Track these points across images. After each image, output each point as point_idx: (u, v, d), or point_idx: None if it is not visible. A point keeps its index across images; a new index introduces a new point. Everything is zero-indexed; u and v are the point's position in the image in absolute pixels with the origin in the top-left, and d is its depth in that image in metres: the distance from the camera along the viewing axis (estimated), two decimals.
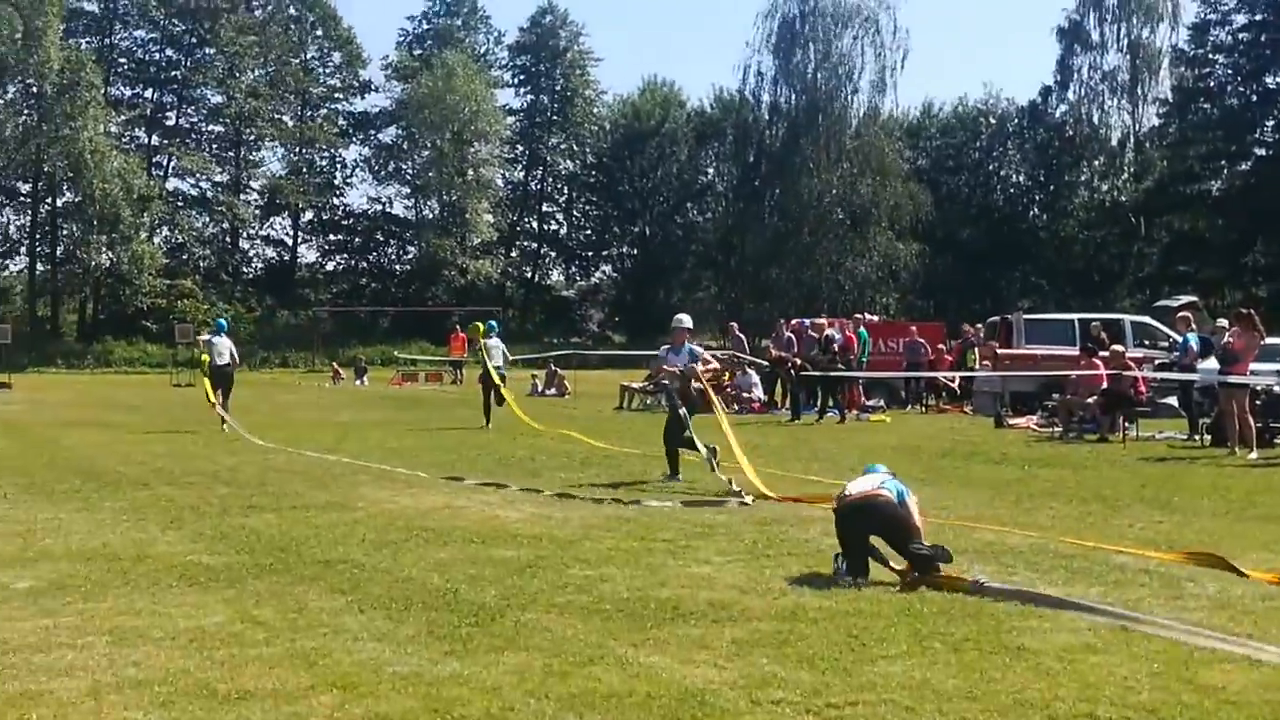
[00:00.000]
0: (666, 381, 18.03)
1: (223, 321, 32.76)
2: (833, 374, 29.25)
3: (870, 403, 32.26)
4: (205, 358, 28.61)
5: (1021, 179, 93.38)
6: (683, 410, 17.14)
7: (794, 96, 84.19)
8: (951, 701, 6.64)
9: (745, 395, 32.74)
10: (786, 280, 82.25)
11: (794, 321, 34.30)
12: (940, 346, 34.88)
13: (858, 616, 8.59)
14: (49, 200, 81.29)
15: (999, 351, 31.66)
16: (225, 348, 28.24)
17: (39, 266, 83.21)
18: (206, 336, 28.93)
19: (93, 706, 6.61)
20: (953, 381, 33.34)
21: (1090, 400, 24.10)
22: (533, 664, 7.39)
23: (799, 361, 29.99)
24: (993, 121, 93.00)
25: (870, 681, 7.00)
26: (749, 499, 14.63)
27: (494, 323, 30.15)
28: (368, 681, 7.02)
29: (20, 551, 11.31)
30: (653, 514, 13.53)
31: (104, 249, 76.03)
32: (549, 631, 8.21)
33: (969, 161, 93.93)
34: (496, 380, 27.76)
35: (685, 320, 18.34)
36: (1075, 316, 33.10)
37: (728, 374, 33.95)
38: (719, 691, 6.83)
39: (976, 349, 33.59)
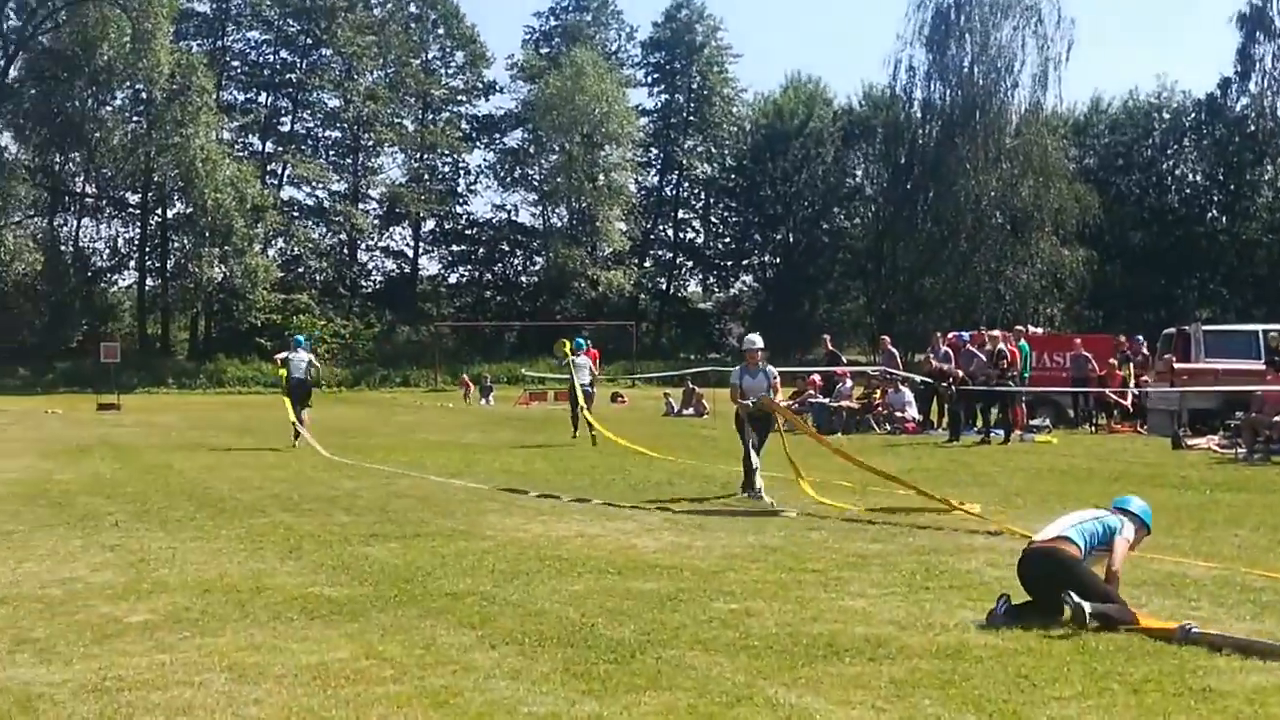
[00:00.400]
0: (748, 402, 18.41)
1: (300, 337, 35.51)
2: (999, 389, 28.91)
3: (1035, 422, 31.83)
4: (283, 372, 30.42)
5: (1198, 178, 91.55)
6: (752, 439, 17.96)
7: (949, 92, 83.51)
8: None
9: (898, 414, 32.49)
10: (941, 290, 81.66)
11: (951, 334, 33.98)
12: (1111, 361, 34.35)
13: (1027, 655, 8.49)
14: (159, 211, 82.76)
15: (1176, 366, 31.09)
16: (303, 362, 30.37)
17: (149, 281, 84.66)
18: (284, 354, 30.67)
19: None
20: (1125, 399, 32.83)
21: (1277, 419, 23.64)
22: (677, 704, 7.38)
23: (959, 376, 29.70)
24: (1166, 116, 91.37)
25: None
26: (792, 512, 16.00)
27: (580, 340, 32.57)
28: None
29: (134, 582, 11.50)
30: (801, 543, 13.48)
31: (216, 262, 76.89)
32: (693, 670, 8.20)
33: (1140, 160, 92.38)
34: (582, 400, 29.48)
35: (757, 341, 19.24)
36: (1259, 328, 32.31)
37: (878, 391, 33.76)
38: None
39: (1132, 363, 33.08)
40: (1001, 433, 28.75)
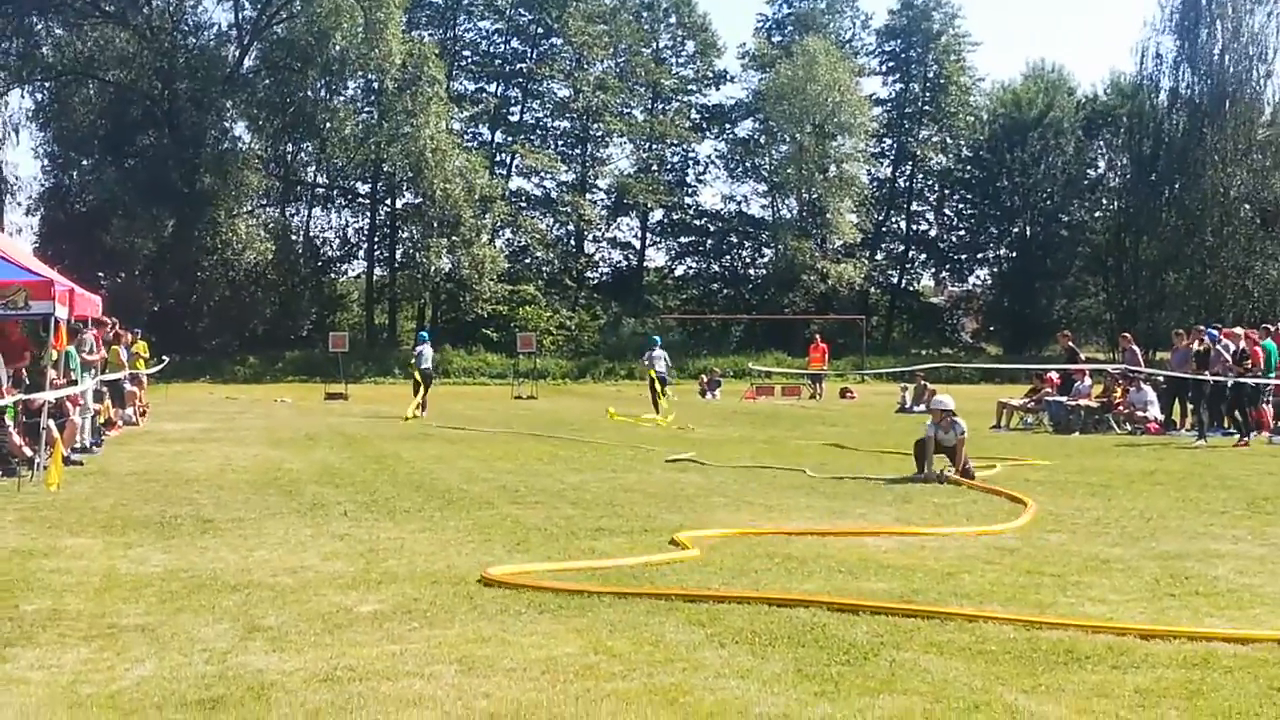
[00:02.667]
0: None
1: (424, 334, 45.05)
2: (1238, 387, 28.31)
3: None
4: (412, 362, 40.67)
5: None
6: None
7: (1198, 81, 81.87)
8: None
9: (1140, 414, 31.85)
10: (1186, 286, 80.00)
11: (1197, 330, 33.19)
12: None
13: (1279, 666, 8.28)
14: (388, 201, 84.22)
15: None
16: (428, 353, 40.29)
17: (377, 271, 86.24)
18: (419, 349, 40.47)
19: None
20: None
21: None
22: (911, 709, 7.33)
23: (1207, 376, 29.07)
24: None
25: None
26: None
27: (656, 337, 42.91)
28: None
29: (364, 573, 11.73)
30: (1039, 546, 13.28)
31: (444, 252, 77.91)
32: (928, 673, 8.13)
33: None
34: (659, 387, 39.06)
35: (948, 402, 20.72)
36: None
37: (1119, 390, 33.13)
38: None
39: None
40: (1235, 433, 28.19)
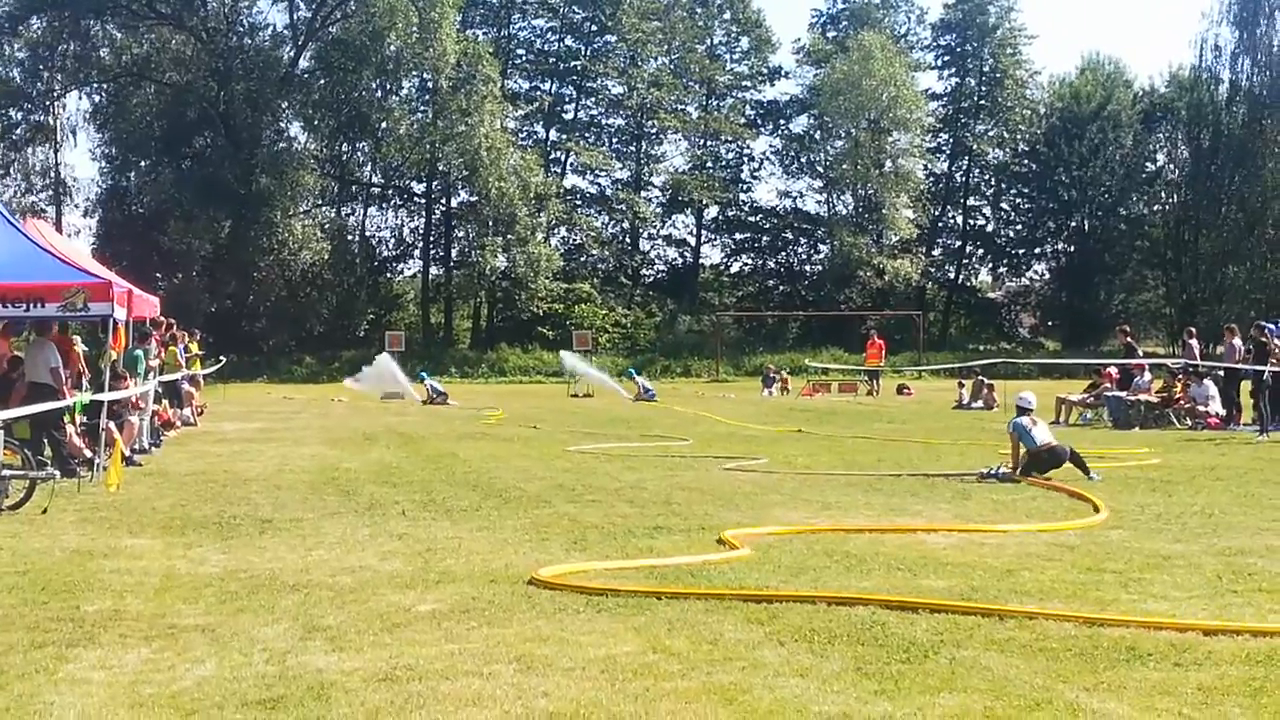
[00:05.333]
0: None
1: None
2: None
3: None
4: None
5: None
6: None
7: (1257, 73, 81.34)
8: None
9: (1200, 409, 31.66)
10: (1247, 279, 79.51)
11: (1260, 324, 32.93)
12: None
13: None
14: (443, 200, 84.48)
15: None
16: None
17: (433, 270, 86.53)
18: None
19: None
20: None
21: None
22: (972, 707, 7.32)
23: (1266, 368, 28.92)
24: None
25: None
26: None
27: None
28: None
29: (422, 572, 11.76)
30: (1100, 542, 13.22)
31: (499, 251, 78.30)
32: (988, 671, 8.12)
33: None
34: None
35: (1032, 400, 20.79)
36: None
37: (1179, 385, 32.93)
38: None
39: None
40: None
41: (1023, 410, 20.17)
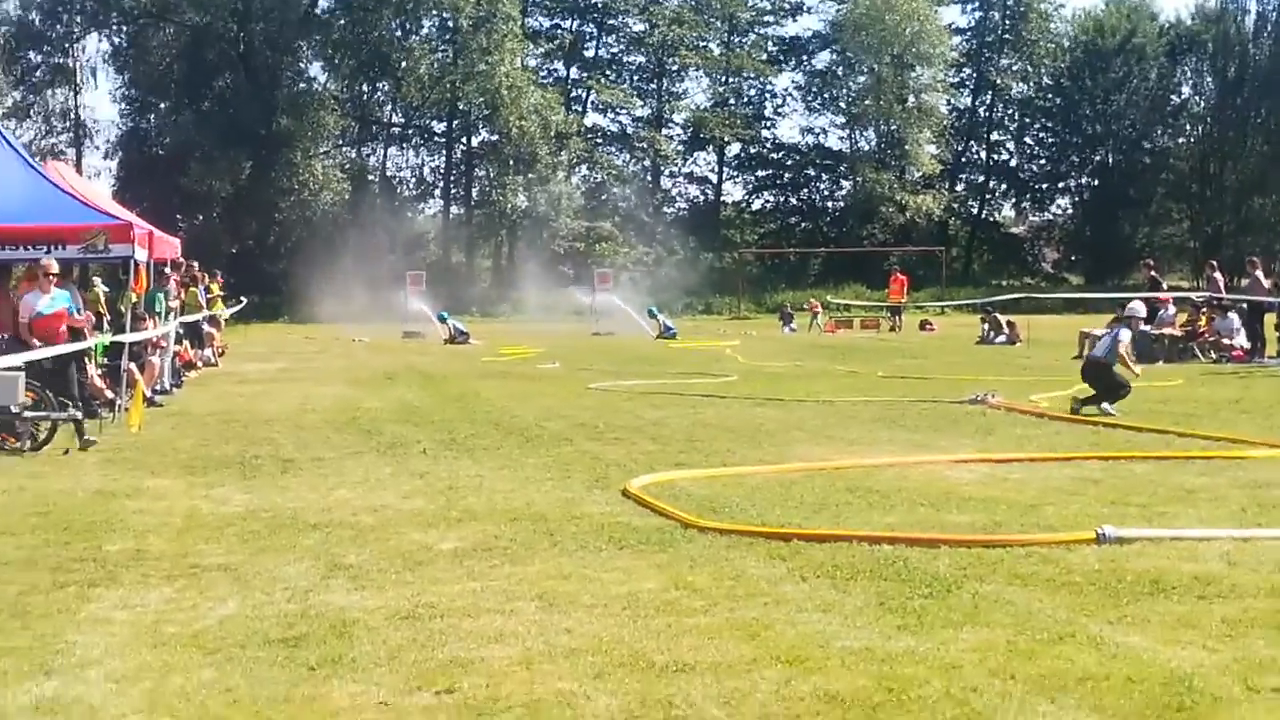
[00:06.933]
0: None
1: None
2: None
3: None
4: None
5: None
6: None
7: None
8: None
9: (1225, 341, 31.55)
10: (1272, 212, 79.23)
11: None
12: None
13: None
14: (464, 140, 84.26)
15: None
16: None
17: (453, 209, 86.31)
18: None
19: (525, 676, 6.81)
20: None
21: None
22: (995, 641, 7.29)
23: None
24: None
25: None
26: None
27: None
28: (814, 656, 7.05)
29: (443, 510, 11.76)
30: (1124, 476, 13.18)
31: (520, 190, 78.25)
32: (1012, 605, 8.10)
33: None
34: None
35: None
36: None
37: (1204, 318, 32.81)
38: (1209, 676, 6.62)
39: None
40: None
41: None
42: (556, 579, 9.01)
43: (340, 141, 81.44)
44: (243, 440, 17.24)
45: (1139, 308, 20.92)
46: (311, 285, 65.61)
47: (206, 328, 32.88)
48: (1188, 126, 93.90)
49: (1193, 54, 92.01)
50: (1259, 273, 31.80)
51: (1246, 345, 31.53)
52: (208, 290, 35.13)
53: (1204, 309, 33.37)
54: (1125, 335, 19.92)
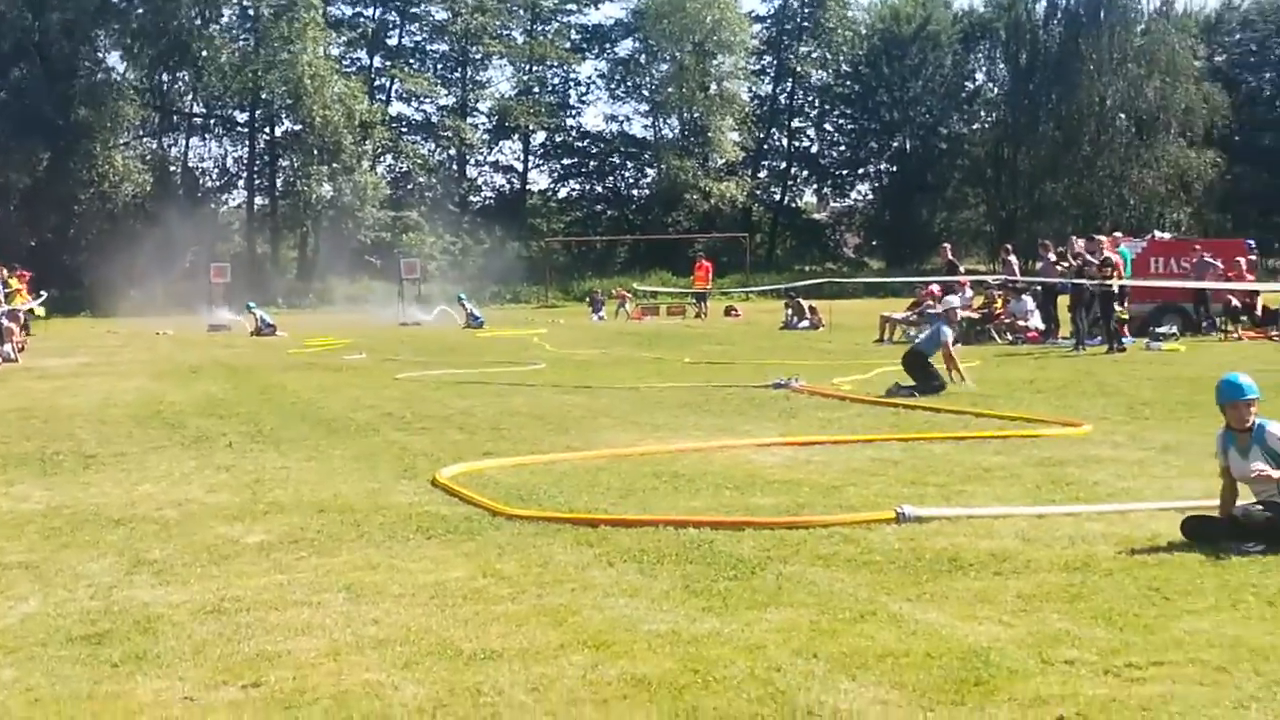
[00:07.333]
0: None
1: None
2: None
3: (1162, 330, 31.44)
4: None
5: None
6: None
7: None
8: (1269, 661, 6.50)
9: (1020, 323, 32.23)
10: (1064, 196, 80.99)
11: (1082, 240, 33.46)
12: (1240, 260, 33.91)
13: (1158, 567, 8.47)
14: (267, 130, 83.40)
15: None
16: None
17: (257, 200, 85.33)
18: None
19: (332, 668, 6.80)
20: (1251, 306, 32.47)
21: None
22: (799, 621, 7.41)
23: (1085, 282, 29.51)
24: None
25: (1175, 639, 6.90)
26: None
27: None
28: (621, 640, 7.11)
29: (250, 503, 11.66)
30: (923, 456, 13.43)
31: (325, 180, 77.55)
32: (814, 585, 8.23)
33: (1274, 58, 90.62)
34: None
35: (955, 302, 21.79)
36: None
37: (1000, 301, 33.47)
38: (1005, 650, 6.78)
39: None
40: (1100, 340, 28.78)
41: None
42: (364, 570, 8.99)
43: (141, 132, 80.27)
44: (43, 436, 16.92)
45: (954, 300, 21.36)
46: (114, 279, 64.54)
47: (5, 323, 32.16)
48: (982, 113, 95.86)
49: (986, 41, 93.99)
50: (1051, 255, 32.49)
51: (1041, 327, 32.23)
52: (5, 285, 34.35)
53: (999, 292, 34.03)
54: (948, 334, 20.45)
